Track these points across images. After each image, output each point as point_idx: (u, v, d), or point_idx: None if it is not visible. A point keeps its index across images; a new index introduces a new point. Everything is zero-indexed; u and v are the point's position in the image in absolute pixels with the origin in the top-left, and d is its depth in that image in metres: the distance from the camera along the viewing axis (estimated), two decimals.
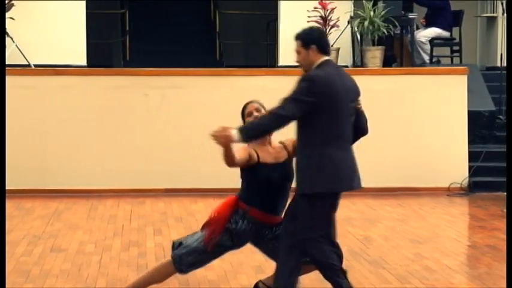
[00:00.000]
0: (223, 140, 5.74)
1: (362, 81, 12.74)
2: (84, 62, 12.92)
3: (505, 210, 10.29)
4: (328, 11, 12.09)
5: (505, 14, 13.63)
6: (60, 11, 12.86)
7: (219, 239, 6.02)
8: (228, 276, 7.06)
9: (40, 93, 11.51)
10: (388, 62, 12.67)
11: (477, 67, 13.48)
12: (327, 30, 12.09)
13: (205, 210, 10.36)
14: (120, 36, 15.37)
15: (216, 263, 7.45)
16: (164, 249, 8.17)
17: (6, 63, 11.57)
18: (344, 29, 12.65)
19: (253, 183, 6.08)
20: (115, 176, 11.51)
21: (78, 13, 12.97)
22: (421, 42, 13.39)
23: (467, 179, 11.70)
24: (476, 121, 12.17)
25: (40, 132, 11.47)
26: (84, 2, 13.10)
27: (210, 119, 11.59)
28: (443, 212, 10.33)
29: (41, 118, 11.47)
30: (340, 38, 12.54)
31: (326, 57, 5.94)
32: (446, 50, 13.96)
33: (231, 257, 7.63)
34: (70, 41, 12.87)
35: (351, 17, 12.77)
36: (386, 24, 12.10)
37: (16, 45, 12.10)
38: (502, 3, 13.72)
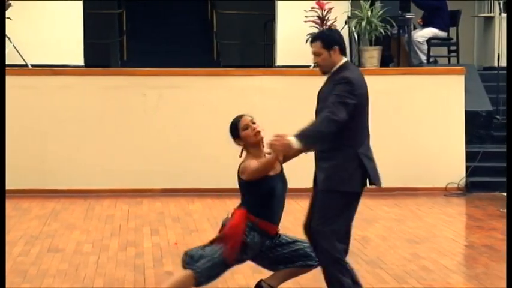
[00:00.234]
0: (281, 148, 5.64)
1: None
2: (81, 62, 12.90)
3: (503, 210, 10.30)
4: (326, 11, 12.09)
5: (503, 14, 13.65)
6: (58, 11, 12.84)
7: (238, 252, 6.01)
8: (225, 276, 7.03)
9: (37, 93, 11.50)
10: (385, 62, 12.67)
11: (474, 67, 13.48)
12: None
13: (202, 210, 10.37)
14: (118, 36, 15.36)
15: None
16: (161, 249, 8.17)
17: None
18: (341, 29, 12.62)
19: (257, 196, 6.06)
20: (112, 176, 11.51)
21: (76, 13, 12.95)
22: (419, 42, 13.39)
23: (464, 179, 11.70)
24: (473, 121, 12.18)
25: (37, 132, 11.46)
26: (82, 2, 13.08)
27: (208, 119, 11.62)
28: (441, 212, 10.33)
29: (38, 118, 11.46)
30: None
31: (345, 59, 6.01)
32: (444, 50, 13.97)
33: None
34: (67, 41, 12.85)
35: (348, 17, 12.76)
36: (383, 24, 12.10)
37: (13, 45, 12.08)
38: (499, 3, 13.73)
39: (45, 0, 12.76)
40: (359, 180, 5.99)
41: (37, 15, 12.75)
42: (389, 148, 11.73)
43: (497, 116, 12.58)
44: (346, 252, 5.98)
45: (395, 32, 12.95)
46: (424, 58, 13.39)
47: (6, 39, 11.97)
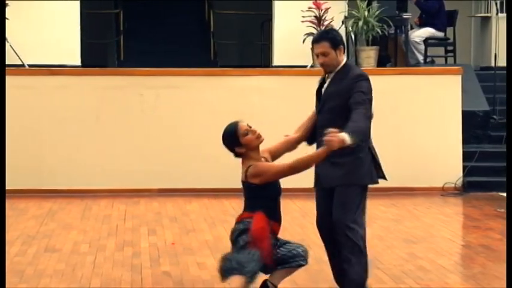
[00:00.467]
0: (338, 144, 5.72)
1: None
2: (78, 62, 12.91)
3: (500, 210, 10.32)
4: (323, 11, 12.10)
5: (499, 14, 13.66)
6: (55, 11, 12.84)
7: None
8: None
9: (35, 93, 11.49)
10: (382, 62, 12.68)
11: (471, 67, 13.50)
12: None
13: (199, 210, 10.37)
14: (115, 36, 15.36)
15: (210, 262, 7.46)
16: (158, 249, 8.17)
17: None
18: (338, 29, 12.63)
19: (267, 198, 6.06)
20: (109, 176, 11.50)
21: (73, 13, 12.96)
22: (415, 42, 13.40)
23: (461, 179, 11.71)
24: (470, 121, 12.19)
25: (34, 132, 11.45)
26: (79, 2, 13.08)
27: (205, 119, 11.62)
28: (438, 212, 10.34)
29: (35, 118, 11.45)
30: None
31: (345, 57, 6.25)
32: (441, 50, 13.98)
33: None
34: (65, 41, 12.85)
35: (345, 17, 12.77)
36: (380, 24, 12.11)
37: (10, 45, 12.08)
38: (496, 4, 13.74)
39: (42, 0, 12.76)
40: (375, 173, 6.35)
41: (34, 15, 12.75)
42: (386, 148, 11.69)
43: (494, 116, 12.59)
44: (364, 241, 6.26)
45: (392, 32, 12.96)
46: (421, 58, 13.40)
47: None
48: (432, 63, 13.60)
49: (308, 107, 10.38)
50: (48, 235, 8.78)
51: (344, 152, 5.94)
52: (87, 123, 11.54)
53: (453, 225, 9.82)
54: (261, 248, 5.96)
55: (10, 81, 11.17)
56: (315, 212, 6.35)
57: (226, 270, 5.91)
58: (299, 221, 9.26)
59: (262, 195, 6.06)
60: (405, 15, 13.09)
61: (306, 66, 12.34)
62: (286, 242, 6.23)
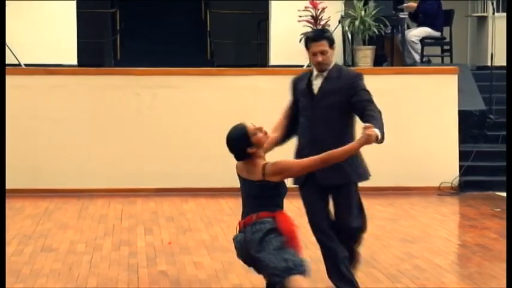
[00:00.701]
0: (375, 139, 5.96)
1: None
2: (75, 62, 12.89)
3: (496, 209, 10.33)
4: (319, 11, 12.10)
5: (496, 14, 13.67)
6: (51, 11, 12.82)
7: None
8: (219, 276, 7.06)
9: (31, 92, 11.48)
10: (379, 61, 12.68)
11: (468, 67, 13.50)
12: None
13: (196, 209, 10.37)
14: (111, 36, 15.35)
15: (206, 262, 7.47)
16: (155, 248, 8.17)
17: None
18: (335, 29, 12.65)
19: (278, 196, 6.00)
20: (106, 176, 11.50)
21: (69, 12, 12.94)
22: (412, 41, 13.40)
23: (458, 178, 11.72)
24: (466, 120, 12.19)
25: (31, 131, 11.44)
26: (75, 1, 13.07)
27: (201, 119, 11.62)
28: (434, 212, 10.35)
29: (31, 117, 11.44)
30: None
31: None
32: (437, 50, 13.98)
33: (221, 256, 7.65)
34: (61, 41, 12.83)
35: (342, 17, 12.77)
36: (377, 24, 12.11)
37: (7, 45, 12.07)
38: (492, 3, 13.75)
39: (39, 0, 12.75)
40: (368, 169, 6.64)
41: (31, 14, 12.74)
42: (382, 147, 11.68)
43: (491, 116, 12.60)
44: None
45: (389, 31, 12.96)
46: (417, 57, 13.40)
47: None
48: (428, 62, 13.60)
49: None
50: (44, 235, 8.78)
51: (336, 147, 6.01)
52: (84, 123, 11.53)
53: (449, 225, 9.83)
54: (296, 247, 5.92)
55: (7, 80, 11.15)
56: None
57: (284, 270, 5.73)
58: (297, 221, 9.23)
59: (277, 194, 6.01)
60: (402, 15, 13.09)
61: (302, 66, 12.33)
62: None
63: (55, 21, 12.86)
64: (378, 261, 7.60)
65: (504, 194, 11.16)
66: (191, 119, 11.59)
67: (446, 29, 13.73)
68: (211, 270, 7.22)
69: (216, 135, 11.46)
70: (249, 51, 15.63)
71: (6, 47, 12.04)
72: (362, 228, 6.54)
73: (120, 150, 11.56)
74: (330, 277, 6.45)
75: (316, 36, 6.40)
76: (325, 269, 6.78)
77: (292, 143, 6.53)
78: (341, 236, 6.35)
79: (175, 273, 7.19)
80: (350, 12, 12.35)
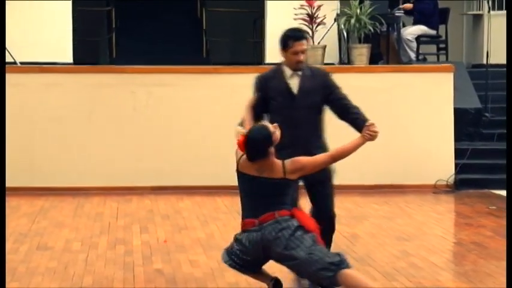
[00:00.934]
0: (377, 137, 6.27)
1: (348, 79, 12.83)
2: (70, 60, 12.88)
3: (491, 207, 10.34)
4: (315, 9, 12.10)
5: (491, 12, 13.68)
6: (47, 9, 12.81)
7: None
8: (215, 274, 7.06)
9: (26, 90, 11.47)
10: (374, 59, 12.69)
11: (463, 65, 13.51)
12: (314, 28, 12.10)
13: (192, 207, 10.37)
14: (107, 34, 15.32)
15: (202, 260, 7.47)
16: (151, 247, 8.16)
17: None
18: (330, 27, 12.66)
19: (289, 195, 6.10)
20: (101, 174, 11.50)
21: (64, 11, 12.93)
22: (408, 39, 13.41)
23: (453, 176, 11.73)
24: (462, 119, 12.20)
25: (26, 129, 11.43)
26: (71, 0, 13.05)
27: (197, 117, 11.62)
28: (430, 210, 10.36)
29: (26, 115, 11.44)
30: (326, 36, 12.56)
31: None
32: (433, 48, 13.99)
33: (217, 255, 7.62)
34: (56, 39, 12.82)
35: (338, 15, 12.77)
36: (372, 22, 12.11)
37: None
38: (488, 1, 13.76)
39: None
40: None
41: (26, 12, 12.72)
42: (378, 145, 11.67)
43: (486, 114, 12.61)
44: None
45: (385, 29, 12.96)
46: (413, 56, 13.40)
47: None
48: (424, 60, 13.61)
49: None
50: (40, 233, 8.77)
51: (318, 145, 6.40)
52: (79, 121, 11.52)
53: (445, 223, 9.84)
54: (322, 242, 6.06)
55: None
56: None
57: (334, 265, 5.81)
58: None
59: (291, 191, 6.10)
60: (397, 13, 13.09)
61: None
62: None
63: (50, 19, 12.85)
64: (374, 260, 7.61)
65: (500, 192, 11.19)
66: (187, 117, 11.59)
67: (441, 27, 13.74)
68: (207, 268, 7.22)
69: (212, 133, 11.53)
70: (244, 49, 15.62)
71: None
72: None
73: (116, 148, 11.55)
74: None
75: (299, 35, 6.49)
76: None
77: None
78: (323, 226, 6.31)
79: (171, 272, 7.19)
80: (346, 10, 12.35)
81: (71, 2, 13.05)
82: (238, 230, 6.16)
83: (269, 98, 6.51)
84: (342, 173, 11.51)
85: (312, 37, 12.12)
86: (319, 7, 12.09)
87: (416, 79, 11.95)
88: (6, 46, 12.06)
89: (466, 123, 12.33)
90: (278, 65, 6.69)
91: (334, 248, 6.66)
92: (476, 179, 11.73)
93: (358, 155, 12.05)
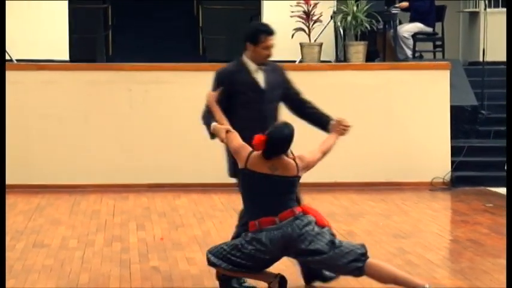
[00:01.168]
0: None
1: (345, 76, 12.83)
2: (66, 57, 12.86)
3: (488, 204, 10.35)
4: (311, 6, 12.09)
5: (488, 9, 13.69)
6: (43, 6, 12.79)
7: None
8: (212, 271, 7.04)
9: (22, 88, 11.46)
10: (371, 57, 12.68)
11: (459, 62, 13.52)
12: (310, 25, 12.10)
13: (188, 205, 10.36)
14: (103, 31, 15.32)
15: (199, 257, 7.46)
16: (147, 244, 8.16)
17: None
18: (327, 24, 12.65)
19: (297, 191, 6.23)
20: (98, 171, 11.49)
21: (61, 8, 12.91)
22: (404, 37, 13.41)
23: (449, 174, 11.74)
24: (458, 116, 12.21)
25: (22, 127, 11.42)
26: None
27: (194, 114, 11.53)
28: (426, 207, 10.36)
29: (23, 113, 11.42)
30: (323, 33, 12.55)
31: None
32: (429, 45, 14.00)
33: None
34: (52, 36, 12.81)
35: (334, 12, 12.76)
36: (369, 19, 12.10)
37: None
38: None
39: None
40: None
41: (22, 10, 12.70)
42: (374, 143, 11.76)
43: (482, 111, 12.62)
44: None
45: (381, 27, 12.96)
46: (409, 53, 13.40)
47: None
48: (421, 58, 13.61)
49: None
50: (36, 230, 8.77)
51: None
52: (76, 118, 11.51)
53: (441, 220, 9.85)
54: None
55: None
56: None
57: (361, 255, 6.04)
58: None
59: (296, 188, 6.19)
60: (394, 10, 13.09)
61: (294, 61, 12.34)
62: None
63: (47, 16, 12.83)
64: (370, 257, 7.60)
65: (496, 189, 11.20)
66: (184, 115, 11.57)
67: (438, 25, 13.74)
68: (203, 266, 7.20)
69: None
70: (241, 46, 15.59)
71: None
72: None
73: (112, 146, 11.54)
74: None
75: (271, 30, 6.51)
76: None
77: None
78: None
79: (167, 269, 7.19)
80: (342, 7, 12.35)
81: (67, 0, 13.03)
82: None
83: (236, 92, 6.40)
84: (339, 171, 11.66)
85: (309, 35, 12.12)
86: (315, 4, 12.09)
87: (412, 76, 11.95)
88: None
89: (462, 121, 12.33)
90: (238, 59, 6.60)
91: None
92: (473, 177, 11.74)
93: (354, 152, 12.12)
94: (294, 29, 12.04)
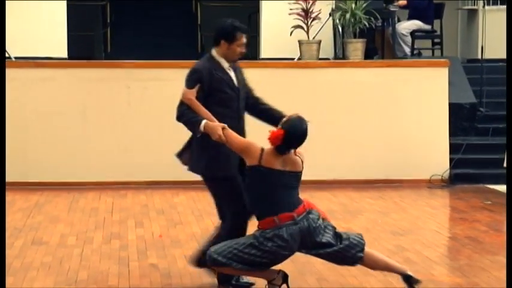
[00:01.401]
0: None
1: (343, 74, 12.82)
2: (65, 54, 12.85)
3: (486, 202, 10.36)
4: (310, 4, 12.09)
5: (486, 7, 13.70)
6: (41, 4, 12.78)
7: None
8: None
9: (21, 85, 11.45)
10: (369, 54, 12.68)
11: (458, 59, 13.52)
12: (309, 23, 12.10)
13: (187, 202, 10.36)
14: (102, 29, 15.32)
15: None
16: (146, 241, 8.16)
17: None
18: (325, 22, 12.65)
19: None
20: (96, 169, 11.48)
21: (59, 5, 12.90)
22: (402, 34, 13.41)
23: (448, 171, 11.74)
24: (457, 113, 12.21)
25: (20, 124, 11.42)
26: None
27: None
28: (425, 204, 10.37)
29: (21, 110, 11.42)
30: (321, 31, 12.55)
31: None
32: (428, 43, 14.00)
33: None
34: (51, 33, 12.80)
35: (333, 10, 12.76)
36: (367, 17, 12.11)
37: None
38: None
39: None
40: None
41: (20, 7, 12.69)
42: (373, 140, 11.75)
43: (481, 109, 12.62)
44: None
45: (380, 24, 12.95)
46: (408, 50, 13.40)
47: None
48: (419, 55, 13.61)
49: (295, 99, 10.39)
50: (35, 228, 8.77)
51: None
52: (74, 116, 11.51)
53: (440, 218, 9.85)
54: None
55: None
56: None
57: (362, 245, 6.25)
58: None
59: None
60: (392, 8, 13.09)
61: (293, 59, 12.34)
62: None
63: (45, 14, 12.82)
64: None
65: (494, 187, 11.21)
66: None
67: (436, 22, 13.74)
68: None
69: None
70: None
71: None
72: None
73: (111, 143, 11.54)
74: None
75: (245, 28, 6.51)
76: (315, 261, 6.81)
77: None
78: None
79: (166, 266, 7.19)
80: (341, 5, 12.35)
81: None
82: None
83: (214, 90, 6.39)
84: (337, 168, 11.66)
85: (307, 32, 12.12)
86: (314, 2, 12.09)
87: (411, 74, 11.95)
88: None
89: (461, 118, 12.34)
90: (209, 56, 6.56)
91: None
92: (471, 174, 11.74)
93: (353, 149, 12.11)
94: (293, 27, 12.04)
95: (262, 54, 13.42)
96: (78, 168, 11.47)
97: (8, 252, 7.64)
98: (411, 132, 11.80)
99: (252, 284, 6.49)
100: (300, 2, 12.12)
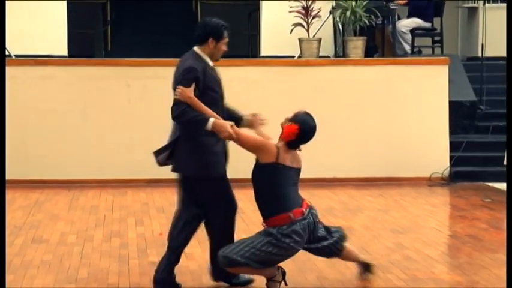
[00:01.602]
0: None
1: (344, 72, 12.82)
2: (65, 52, 12.85)
3: (486, 199, 10.36)
4: (310, 1, 12.09)
5: (487, 4, 13.69)
6: (41, 1, 12.78)
7: None
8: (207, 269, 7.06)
9: (20, 83, 11.45)
10: (369, 52, 12.69)
11: (458, 57, 13.52)
12: (309, 21, 12.09)
13: None
14: (102, 27, 15.31)
15: (197, 253, 7.47)
16: (146, 239, 8.17)
17: None
18: (326, 20, 12.65)
19: None
20: (97, 167, 11.49)
21: (59, 3, 12.90)
22: (403, 32, 13.40)
23: (448, 169, 11.74)
24: (457, 111, 12.21)
25: (20, 122, 11.42)
26: None
27: None
28: (425, 202, 10.37)
29: (21, 108, 11.42)
30: (321, 29, 12.54)
31: None
32: (428, 41, 13.99)
33: None
34: (51, 31, 12.80)
35: (333, 7, 12.76)
36: (368, 15, 12.10)
37: None
38: None
39: None
40: None
41: (20, 5, 12.69)
42: (373, 138, 11.75)
43: (481, 106, 12.62)
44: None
45: (380, 22, 12.95)
46: (408, 48, 13.40)
47: None
48: (419, 53, 13.61)
49: (295, 98, 10.39)
50: (35, 226, 8.77)
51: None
52: (74, 114, 11.51)
53: (440, 215, 9.85)
54: None
55: None
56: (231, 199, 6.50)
57: (341, 238, 6.42)
58: None
59: None
60: (392, 6, 13.09)
61: (293, 57, 12.34)
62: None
63: (45, 11, 12.81)
64: (369, 252, 7.61)
65: (494, 185, 11.21)
66: None
67: (437, 20, 13.74)
68: (202, 261, 7.22)
69: None
70: (239, 42, 15.57)
71: None
72: None
73: (111, 141, 11.54)
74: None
75: (227, 28, 6.49)
76: (315, 259, 6.82)
77: None
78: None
79: None
80: (341, 3, 12.34)
81: None
82: None
83: (207, 89, 6.36)
84: (337, 166, 11.66)
85: (307, 30, 12.12)
86: (314, 0, 12.08)
87: (411, 72, 11.95)
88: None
89: (461, 116, 12.33)
90: (195, 55, 6.52)
91: None
92: (471, 172, 11.74)
93: (353, 147, 12.11)
94: (293, 25, 12.03)
95: (263, 52, 13.42)
96: (78, 166, 11.47)
97: (8, 250, 7.64)
98: (411, 130, 11.80)
99: (252, 281, 6.49)
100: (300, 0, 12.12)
